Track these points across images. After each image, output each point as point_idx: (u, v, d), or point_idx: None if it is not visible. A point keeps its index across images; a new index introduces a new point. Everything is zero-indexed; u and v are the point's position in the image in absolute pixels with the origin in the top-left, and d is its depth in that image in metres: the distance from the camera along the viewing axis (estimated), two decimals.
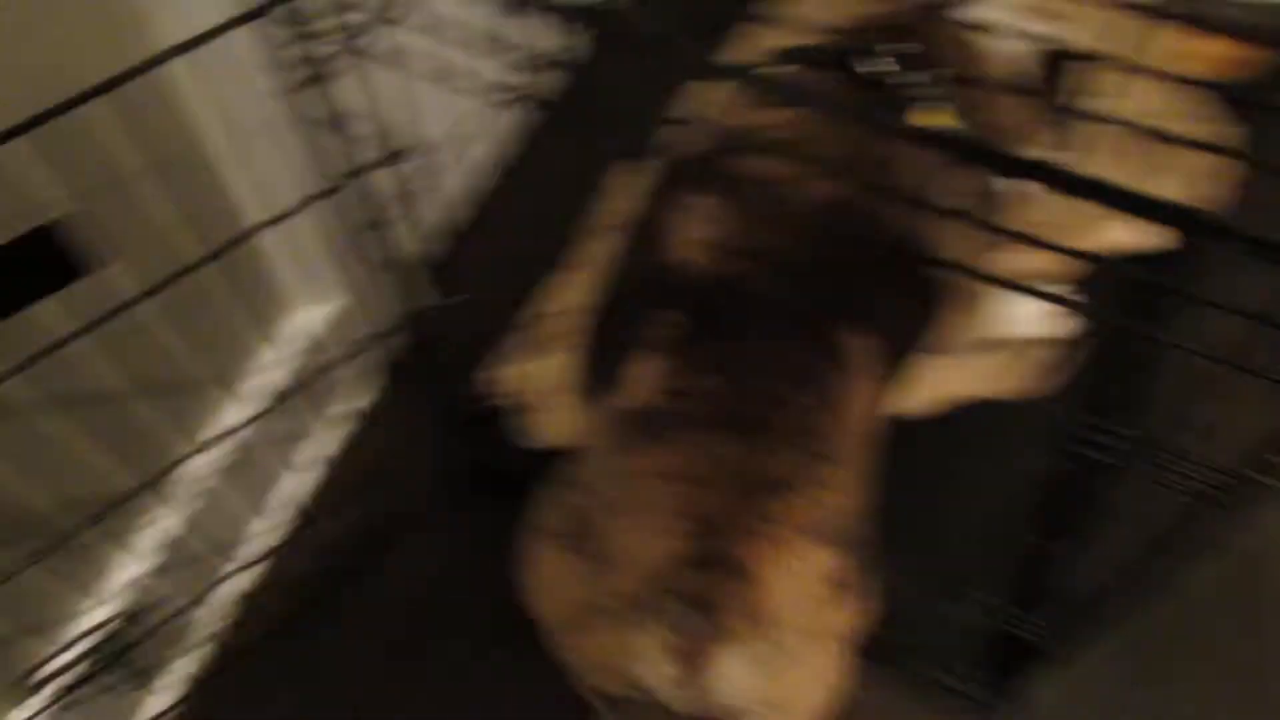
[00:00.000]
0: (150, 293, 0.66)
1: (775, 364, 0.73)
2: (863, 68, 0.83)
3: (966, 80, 0.84)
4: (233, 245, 0.70)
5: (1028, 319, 1.10)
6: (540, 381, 1.11)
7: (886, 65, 0.83)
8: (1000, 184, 0.85)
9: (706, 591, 0.66)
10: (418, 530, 1.08)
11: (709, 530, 0.67)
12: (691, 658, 0.66)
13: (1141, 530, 0.62)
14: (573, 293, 1.17)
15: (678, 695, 0.68)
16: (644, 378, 0.74)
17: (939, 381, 1.04)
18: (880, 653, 0.84)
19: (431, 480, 1.11)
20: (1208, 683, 0.93)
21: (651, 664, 0.67)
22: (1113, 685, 0.93)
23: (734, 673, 0.67)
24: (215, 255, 0.69)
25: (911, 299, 0.81)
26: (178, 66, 0.79)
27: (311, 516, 1.08)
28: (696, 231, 0.79)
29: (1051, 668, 0.86)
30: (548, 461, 0.81)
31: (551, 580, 0.79)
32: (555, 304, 1.18)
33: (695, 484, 0.68)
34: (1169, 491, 0.58)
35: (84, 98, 0.55)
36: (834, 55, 0.84)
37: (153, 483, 0.82)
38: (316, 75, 0.64)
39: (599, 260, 0.95)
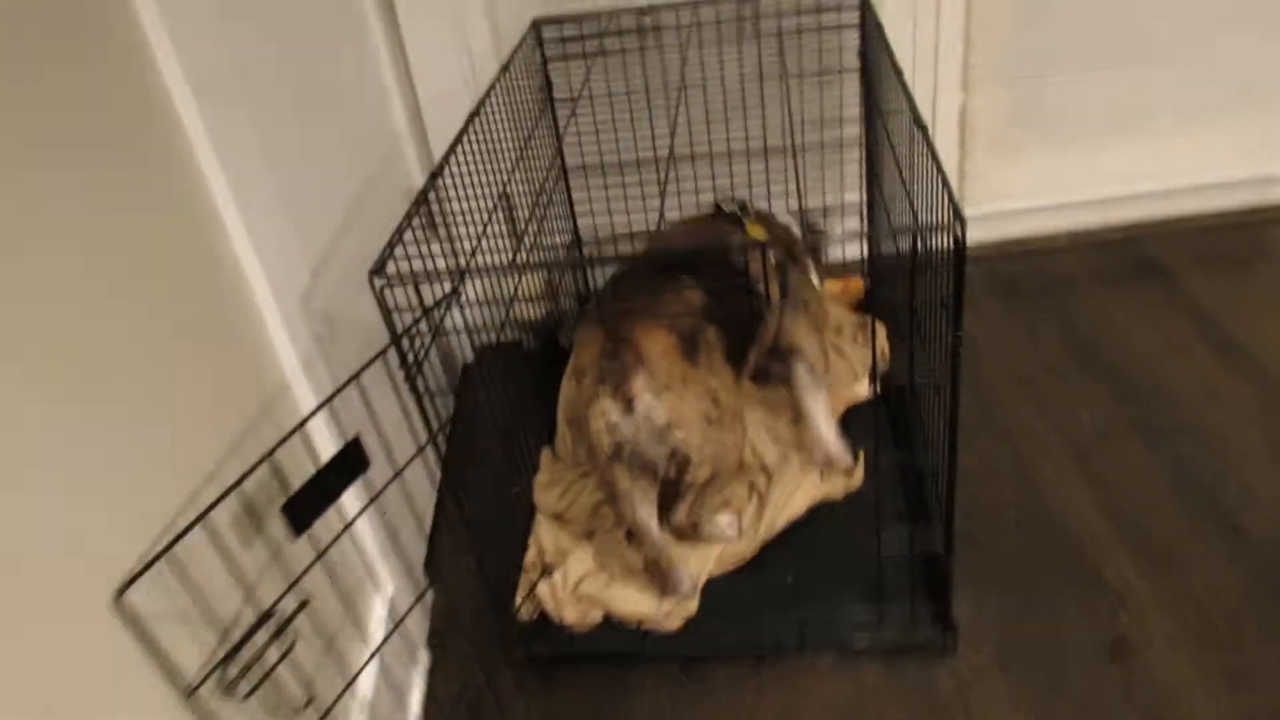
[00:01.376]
0: None
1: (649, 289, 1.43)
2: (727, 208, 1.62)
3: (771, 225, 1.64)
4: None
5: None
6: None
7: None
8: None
9: (617, 359, 1.33)
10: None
11: (614, 336, 1.34)
12: (621, 394, 1.33)
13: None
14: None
15: (632, 426, 1.34)
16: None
17: (798, 498, 1.60)
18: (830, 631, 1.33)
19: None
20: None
21: (607, 410, 1.34)
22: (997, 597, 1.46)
23: (645, 396, 1.33)
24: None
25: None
26: None
27: None
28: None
29: (962, 586, 1.38)
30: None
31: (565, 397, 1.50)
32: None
33: (607, 324, 1.35)
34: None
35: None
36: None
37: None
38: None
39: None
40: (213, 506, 0.87)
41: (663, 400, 1.35)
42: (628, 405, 1.34)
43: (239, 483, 0.89)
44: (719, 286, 1.45)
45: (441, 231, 1.27)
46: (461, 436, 1.16)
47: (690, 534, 1.51)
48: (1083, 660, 1.36)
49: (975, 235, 2.07)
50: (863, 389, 1.76)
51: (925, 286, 1.23)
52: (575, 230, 2.10)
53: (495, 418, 1.27)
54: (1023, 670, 1.35)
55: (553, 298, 2.07)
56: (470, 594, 1.49)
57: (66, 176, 0.81)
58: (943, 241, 1.11)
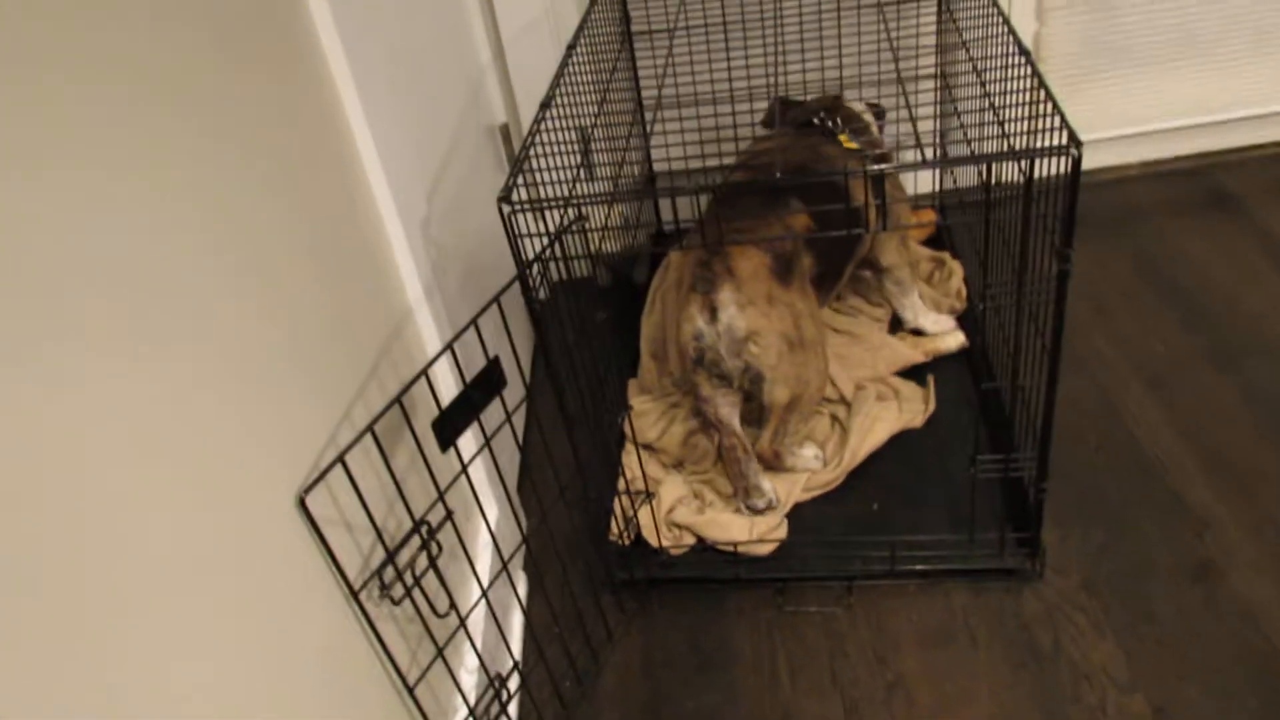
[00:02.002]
0: None
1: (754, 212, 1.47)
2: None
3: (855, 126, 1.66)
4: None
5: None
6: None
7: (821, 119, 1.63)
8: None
9: (709, 269, 1.40)
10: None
11: (712, 249, 1.41)
12: (708, 306, 1.41)
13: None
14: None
15: (714, 333, 1.42)
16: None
17: (879, 428, 1.63)
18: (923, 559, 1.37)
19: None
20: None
21: (694, 317, 1.43)
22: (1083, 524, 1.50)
23: (729, 308, 1.41)
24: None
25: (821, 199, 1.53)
26: None
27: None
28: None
29: (1045, 513, 1.41)
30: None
31: (646, 331, 1.71)
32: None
33: (709, 237, 1.42)
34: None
35: None
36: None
37: None
38: None
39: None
40: (377, 419, 0.91)
41: (745, 314, 1.41)
42: (712, 314, 1.42)
43: (398, 398, 0.93)
44: (823, 210, 1.48)
45: (536, 174, 1.29)
46: (547, 362, 1.19)
47: (774, 463, 1.55)
48: (1167, 584, 1.39)
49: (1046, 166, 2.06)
50: (952, 341, 1.78)
51: (1014, 214, 1.24)
52: (649, 165, 2.12)
53: (582, 345, 1.30)
54: (1108, 594, 1.39)
55: (630, 234, 2.10)
56: (564, 519, 1.53)
57: (232, 112, 0.84)
58: (1048, 167, 1.12)
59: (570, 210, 1.13)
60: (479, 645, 1.19)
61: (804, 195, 1.51)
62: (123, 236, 0.67)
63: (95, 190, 0.65)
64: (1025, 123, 1.21)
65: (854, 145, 1.63)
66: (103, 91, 0.67)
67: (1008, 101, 1.30)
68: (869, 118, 1.75)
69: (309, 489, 0.84)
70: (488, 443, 1.05)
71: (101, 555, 0.60)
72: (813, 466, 1.57)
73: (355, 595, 0.90)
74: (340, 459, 0.86)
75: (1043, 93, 1.16)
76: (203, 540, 0.71)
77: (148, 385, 0.67)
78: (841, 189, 1.52)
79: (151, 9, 0.74)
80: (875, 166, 1.12)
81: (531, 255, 1.12)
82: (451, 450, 1.20)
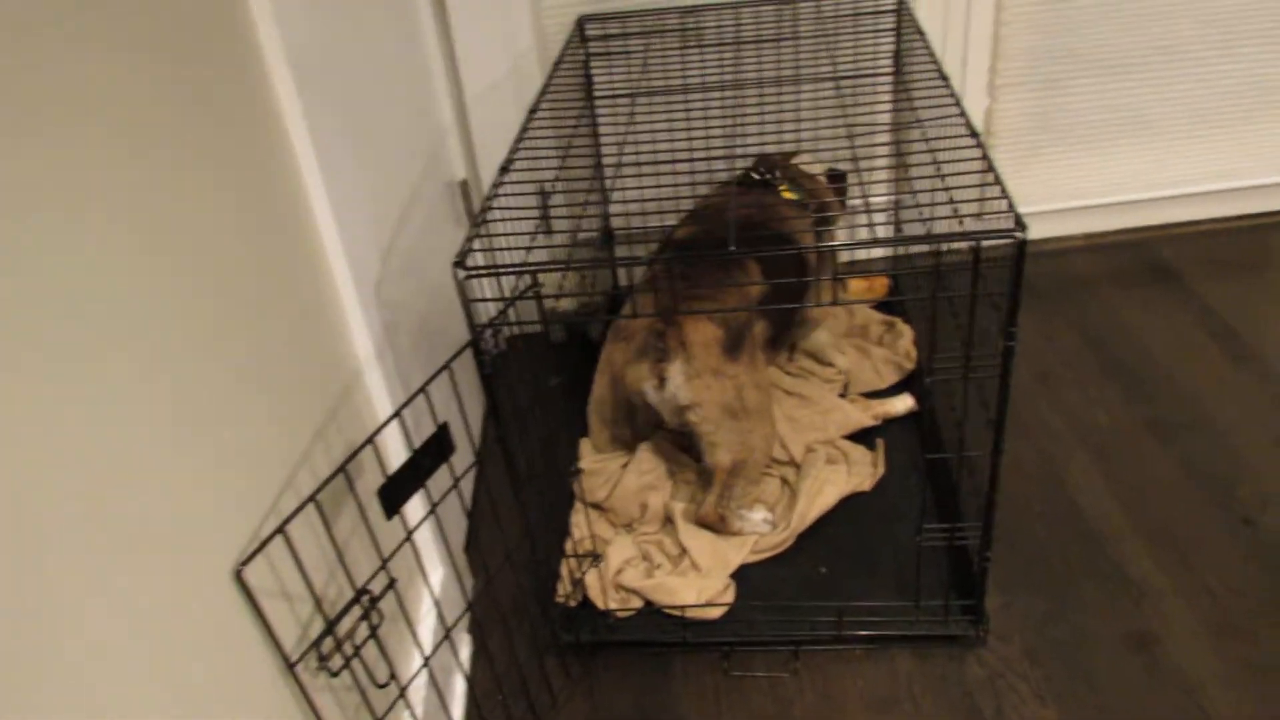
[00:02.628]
0: None
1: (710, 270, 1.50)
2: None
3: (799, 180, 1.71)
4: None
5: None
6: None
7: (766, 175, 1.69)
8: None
9: (662, 340, 1.45)
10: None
11: (667, 316, 1.45)
12: (656, 374, 1.46)
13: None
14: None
15: (658, 398, 1.48)
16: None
17: (829, 490, 1.65)
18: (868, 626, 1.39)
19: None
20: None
21: (643, 379, 1.49)
22: (1027, 590, 1.51)
23: (676, 378, 1.46)
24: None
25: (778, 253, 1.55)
26: None
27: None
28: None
29: (989, 577, 1.43)
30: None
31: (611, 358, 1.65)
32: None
33: (661, 299, 1.47)
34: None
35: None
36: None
37: None
38: None
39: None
40: (320, 489, 0.90)
41: (691, 385, 1.45)
42: (660, 382, 1.48)
43: (343, 466, 0.92)
44: (780, 282, 1.51)
45: (498, 228, 1.30)
46: (497, 424, 1.19)
47: (720, 526, 1.55)
48: (1108, 652, 1.41)
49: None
50: (900, 405, 1.81)
51: (966, 286, 1.27)
52: (608, 224, 2.14)
53: (534, 407, 1.30)
54: (1050, 662, 1.40)
55: (586, 290, 2.11)
56: (510, 581, 1.52)
57: (185, 172, 0.84)
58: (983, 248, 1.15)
59: (525, 277, 1.13)
60: (419, 714, 1.18)
61: (758, 258, 1.53)
62: (59, 297, 0.66)
63: (34, 244, 0.64)
64: (975, 205, 1.24)
65: (793, 195, 1.67)
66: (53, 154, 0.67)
67: (959, 181, 1.34)
68: (822, 179, 1.79)
69: (246, 561, 0.83)
70: (433, 509, 1.04)
71: (30, 626, 0.59)
72: (760, 530, 1.58)
73: (292, 668, 0.88)
74: (280, 530, 0.85)
75: (991, 175, 1.20)
76: (135, 614, 0.70)
77: (81, 451, 0.66)
78: (795, 253, 1.55)
79: (106, 64, 0.74)
80: (821, 228, 1.15)
81: (486, 318, 1.12)
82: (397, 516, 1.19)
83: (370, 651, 1.05)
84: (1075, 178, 2.23)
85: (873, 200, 2.13)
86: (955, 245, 1.28)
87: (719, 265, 1.51)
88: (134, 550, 0.70)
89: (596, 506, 1.65)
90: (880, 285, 2.09)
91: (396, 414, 0.98)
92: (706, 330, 1.45)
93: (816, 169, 1.81)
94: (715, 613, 1.49)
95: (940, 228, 1.55)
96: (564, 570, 1.50)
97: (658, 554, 1.56)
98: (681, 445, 1.76)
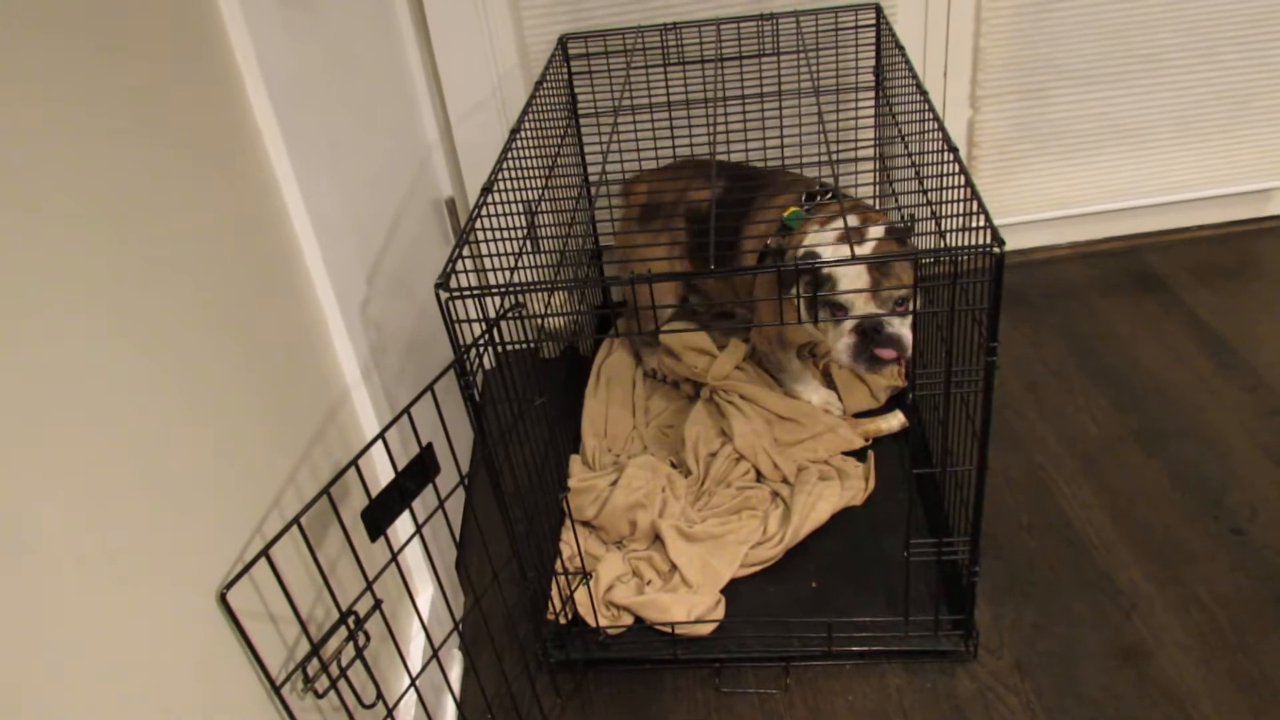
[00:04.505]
0: None
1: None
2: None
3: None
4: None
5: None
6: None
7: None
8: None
9: None
10: None
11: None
12: None
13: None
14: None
15: None
16: None
17: (821, 506, 1.65)
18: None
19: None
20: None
21: None
22: (1018, 603, 1.51)
23: None
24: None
25: None
26: None
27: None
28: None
29: (979, 592, 1.43)
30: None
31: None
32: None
33: None
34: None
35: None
36: None
37: None
38: None
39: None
40: (303, 512, 0.90)
41: None
42: None
43: (326, 489, 0.92)
44: None
45: (479, 248, 1.31)
46: (483, 444, 1.20)
47: None
48: (1097, 664, 1.41)
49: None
50: (894, 421, 1.82)
51: (952, 299, 1.27)
52: (596, 242, 2.14)
53: (519, 423, 1.30)
54: (1040, 675, 1.40)
55: (575, 306, 2.11)
56: (500, 599, 1.52)
57: (162, 185, 0.84)
58: (972, 260, 1.16)
59: (514, 296, 1.14)
60: None
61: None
62: (33, 314, 0.66)
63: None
64: (955, 220, 1.25)
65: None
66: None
67: (941, 195, 1.35)
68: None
69: (230, 584, 0.83)
70: (418, 530, 1.04)
71: (8, 647, 0.59)
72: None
73: (277, 690, 0.88)
74: (264, 553, 0.85)
75: (969, 190, 1.20)
76: (118, 637, 0.70)
77: (62, 472, 0.66)
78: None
79: (73, 72, 0.75)
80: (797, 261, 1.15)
81: (470, 339, 1.12)
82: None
83: (358, 673, 1.05)
84: (1060, 187, 2.24)
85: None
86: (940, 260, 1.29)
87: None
88: (117, 573, 0.71)
89: (586, 524, 1.66)
90: None
91: (379, 437, 0.98)
92: None
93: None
94: (706, 629, 1.49)
95: (922, 243, 1.56)
96: (554, 588, 1.50)
97: (648, 570, 1.56)
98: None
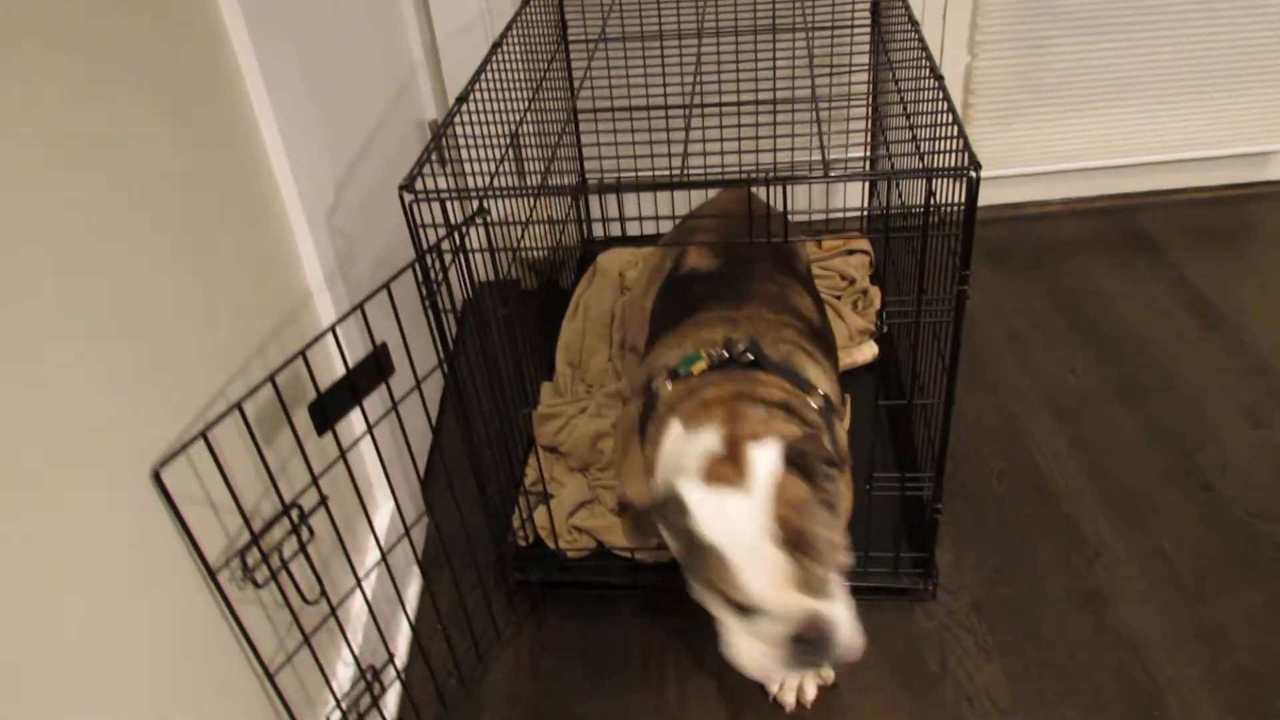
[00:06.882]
0: None
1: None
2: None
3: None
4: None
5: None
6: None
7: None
8: None
9: None
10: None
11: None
12: None
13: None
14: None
15: None
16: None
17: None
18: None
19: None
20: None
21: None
22: (978, 541, 1.51)
23: None
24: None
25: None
26: None
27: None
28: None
29: (944, 535, 1.43)
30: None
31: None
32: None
33: None
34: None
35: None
36: None
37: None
38: None
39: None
40: (247, 396, 0.89)
41: None
42: None
43: (271, 376, 0.91)
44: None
45: (458, 166, 1.29)
46: (460, 367, 1.19)
47: None
48: (1056, 609, 1.41)
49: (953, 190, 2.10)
50: (867, 352, 1.80)
51: (924, 221, 1.26)
52: (582, 172, 2.12)
53: (498, 349, 1.29)
54: (997, 617, 1.40)
55: (557, 236, 2.09)
56: (463, 519, 1.51)
57: (124, 92, 0.82)
58: (951, 191, 1.14)
59: (480, 201, 1.12)
60: (356, 638, 1.18)
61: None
62: None
63: None
64: (936, 143, 1.23)
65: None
66: None
67: (927, 130, 1.32)
68: None
69: (165, 462, 0.82)
70: (370, 430, 1.04)
71: None
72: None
73: (213, 575, 0.88)
74: (203, 434, 0.84)
75: (951, 116, 1.18)
76: (46, 511, 0.69)
77: None
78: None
79: None
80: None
81: (444, 249, 1.11)
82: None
83: (304, 572, 1.05)
84: (1056, 140, 2.21)
85: (852, 150, 2.12)
86: (913, 193, 1.27)
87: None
88: (44, 438, 0.70)
89: (552, 449, 1.65)
90: (855, 244, 2.07)
91: (330, 329, 0.97)
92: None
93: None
94: (666, 556, 1.48)
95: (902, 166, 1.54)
96: (517, 508, 1.50)
97: (611, 499, 1.56)
98: None
